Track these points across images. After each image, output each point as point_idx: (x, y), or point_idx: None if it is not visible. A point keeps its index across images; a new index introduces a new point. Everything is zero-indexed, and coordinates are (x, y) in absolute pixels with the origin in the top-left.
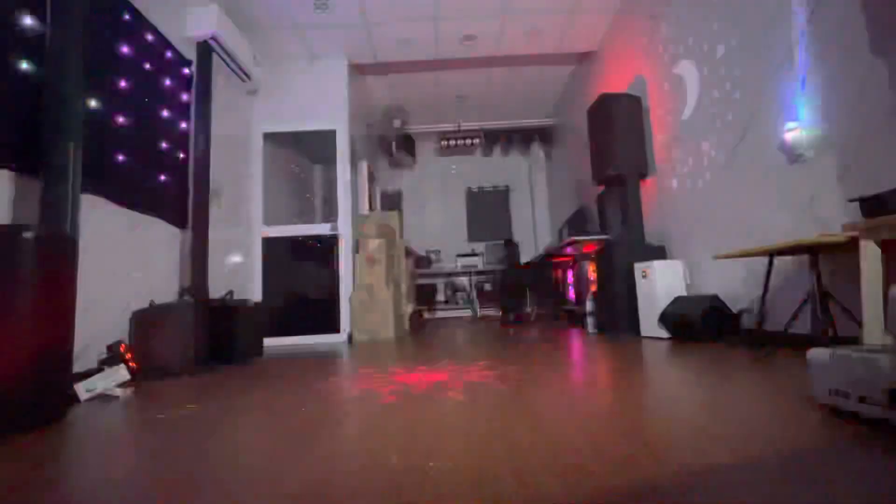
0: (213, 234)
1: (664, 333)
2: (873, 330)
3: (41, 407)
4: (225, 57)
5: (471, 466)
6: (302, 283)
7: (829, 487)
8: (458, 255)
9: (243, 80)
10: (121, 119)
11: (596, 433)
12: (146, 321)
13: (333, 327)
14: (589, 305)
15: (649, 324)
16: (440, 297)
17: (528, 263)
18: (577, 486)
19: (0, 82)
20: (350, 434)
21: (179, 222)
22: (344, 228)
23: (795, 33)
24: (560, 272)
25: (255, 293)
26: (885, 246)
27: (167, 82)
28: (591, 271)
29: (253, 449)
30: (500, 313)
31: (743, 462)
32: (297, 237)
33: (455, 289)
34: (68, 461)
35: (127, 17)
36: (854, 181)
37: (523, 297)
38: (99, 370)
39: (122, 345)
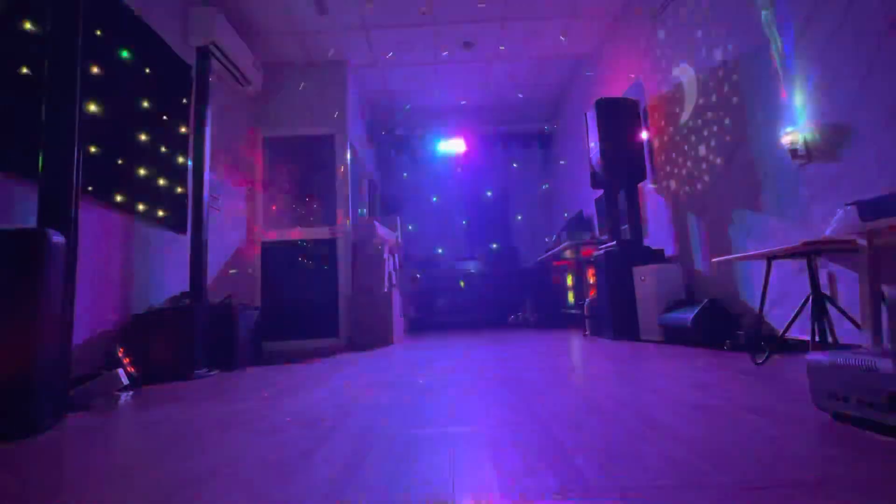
0: (212, 238)
1: (663, 337)
2: (872, 333)
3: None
4: (225, 62)
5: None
6: (301, 286)
7: (830, 491)
8: (458, 259)
9: (243, 85)
10: (120, 123)
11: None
12: (145, 325)
13: (332, 330)
14: (587, 309)
15: (648, 327)
16: (439, 300)
17: (527, 267)
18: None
19: (0, 84)
20: None
21: (178, 226)
22: (343, 232)
23: (793, 37)
24: (559, 276)
25: (254, 297)
26: (882, 249)
27: (166, 86)
28: (590, 275)
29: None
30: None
31: (742, 466)
32: (297, 241)
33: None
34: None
35: (127, 21)
36: (851, 184)
37: (523, 300)
38: (97, 375)
39: (121, 349)
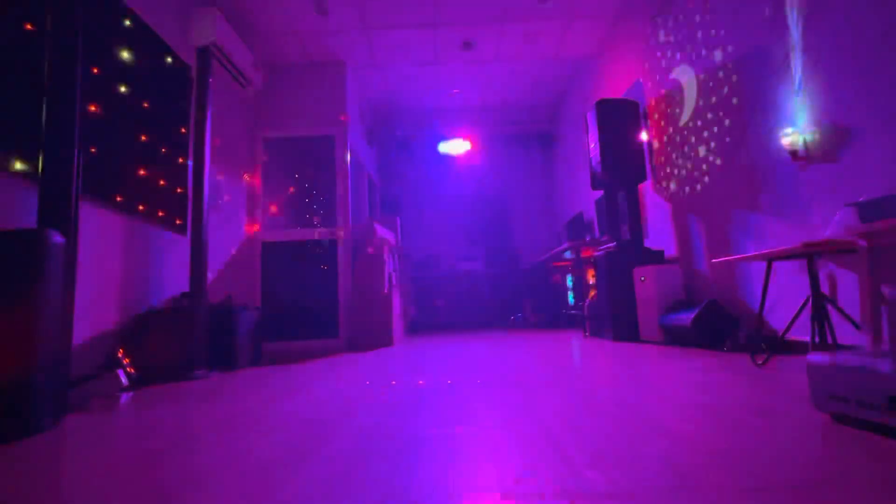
0: (212, 238)
1: (664, 338)
2: (872, 333)
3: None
4: (225, 62)
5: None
6: (301, 287)
7: (830, 492)
8: (458, 259)
9: (243, 86)
10: (120, 123)
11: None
12: (144, 325)
13: (332, 331)
14: (587, 310)
15: (648, 328)
16: (439, 301)
17: (527, 268)
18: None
19: (1, 84)
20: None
21: (178, 226)
22: (343, 232)
23: (792, 38)
24: (559, 277)
25: (254, 297)
26: (882, 249)
27: (166, 87)
28: (590, 276)
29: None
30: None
31: (741, 467)
32: (297, 241)
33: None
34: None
35: (127, 21)
36: (851, 185)
37: (523, 301)
38: (97, 375)
39: (121, 349)
